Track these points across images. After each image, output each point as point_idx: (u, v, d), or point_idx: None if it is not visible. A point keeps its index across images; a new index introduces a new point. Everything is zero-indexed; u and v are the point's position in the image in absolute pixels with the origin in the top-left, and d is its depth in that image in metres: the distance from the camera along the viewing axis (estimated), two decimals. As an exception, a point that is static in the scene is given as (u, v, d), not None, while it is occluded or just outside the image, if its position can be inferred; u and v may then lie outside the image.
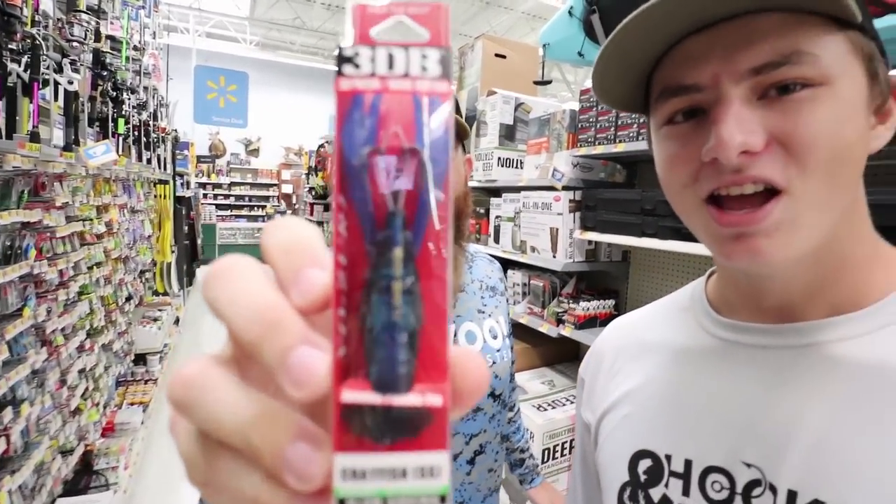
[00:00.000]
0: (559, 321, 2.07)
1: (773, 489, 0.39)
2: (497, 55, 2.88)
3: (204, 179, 11.02)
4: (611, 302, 2.08)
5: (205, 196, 10.86)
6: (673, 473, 0.46)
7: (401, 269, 0.15)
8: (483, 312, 0.97)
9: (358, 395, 0.15)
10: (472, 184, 2.46)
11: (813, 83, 0.35)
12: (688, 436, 0.46)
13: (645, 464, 0.48)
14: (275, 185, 12.07)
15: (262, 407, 0.16)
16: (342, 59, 0.16)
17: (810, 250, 0.39)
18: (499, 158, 2.47)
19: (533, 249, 2.18)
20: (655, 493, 0.46)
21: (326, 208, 7.32)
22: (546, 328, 2.12)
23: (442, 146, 0.16)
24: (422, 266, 0.15)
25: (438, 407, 0.15)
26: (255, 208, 11.68)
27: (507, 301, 1.08)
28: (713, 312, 0.49)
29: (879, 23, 1.17)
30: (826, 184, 0.36)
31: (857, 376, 0.38)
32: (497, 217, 2.46)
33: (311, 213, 8.12)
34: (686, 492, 0.44)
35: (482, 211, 2.67)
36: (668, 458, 0.46)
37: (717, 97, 0.38)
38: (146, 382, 3.73)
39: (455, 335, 0.91)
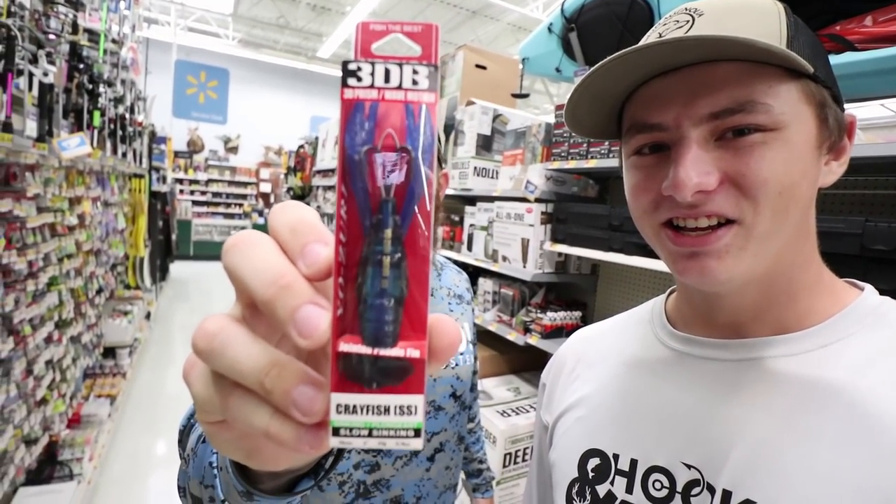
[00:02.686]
0: (526, 330, 2.12)
1: (711, 489, 0.42)
2: (477, 66, 2.94)
3: (181, 175, 10.81)
4: (578, 313, 2.14)
5: (181, 192, 10.65)
6: (619, 472, 0.49)
7: (390, 246, 0.19)
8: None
9: (352, 346, 0.19)
10: (448, 191, 2.50)
11: (765, 128, 0.39)
12: (635, 437, 0.49)
13: (594, 462, 0.51)
14: (253, 183, 11.92)
15: (274, 356, 0.20)
16: (347, 73, 0.19)
17: (755, 275, 0.42)
18: (475, 168, 2.52)
19: (504, 259, 2.23)
20: (601, 489, 0.49)
21: (305, 209, 7.26)
22: (514, 336, 2.17)
23: (428, 146, 0.19)
24: (409, 245, 0.19)
25: (417, 358, 0.19)
26: (232, 206, 11.51)
27: (473, 310, 1.13)
28: (669, 326, 0.53)
29: (841, 58, 1.26)
30: (774, 218, 0.40)
31: (796, 390, 0.41)
32: (471, 225, 2.50)
33: (290, 213, 8.03)
34: (630, 489, 0.47)
35: (457, 219, 2.72)
36: (616, 457, 0.49)
37: (678, 137, 0.41)
38: (114, 375, 3.66)
39: None
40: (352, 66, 0.19)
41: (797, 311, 0.45)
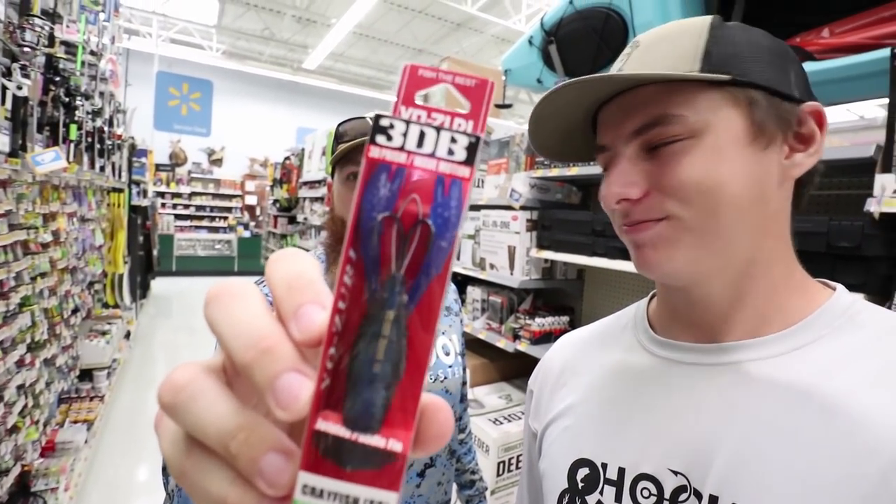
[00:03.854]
0: (516, 336, 2.12)
1: (699, 495, 0.42)
2: (461, 77, 2.96)
3: (163, 188, 10.67)
4: (566, 318, 2.15)
5: (163, 205, 10.51)
6: (608, 481, 0.49)
7: (389, 329, 0.17)
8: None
9: (330, 426, 0.17)
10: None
11: (683, 137, 0.43)
12: (622, 445, 0.49)
13: (583, 472, 0.51)
14: (238, 195, 11.82)
15: (245, 418, 0.18)
16: (378, 129, 0.18)
17: (707, 269, 0.44)
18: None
19: (492, 266, 2.23)
20: (591, 499, 0.49)
21: (291, 221, 7.22)
22: (503, 343, 2.16)
23: (452, 225, 0.17)
24: (412, 327, 0.17)
25: (398, 452, 0.17)
26: (217, 219, 11.39)
27: (462, 322, 1.12)
28: (651, 331, 0.53)
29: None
30: (705, 215, 0.43)
31: (772, 393, 0.42)
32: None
33: (275, 226, 7.98)
34: (619, 498, 0.47)
35: (444, 228, 2.71)
36: (604, 466, 0.50)
37: (614, 155, 0.47)
38: (91, 399, 3.54)
39: None
40: (384, 122, 0.18)
41: (769, 312, 0.46)
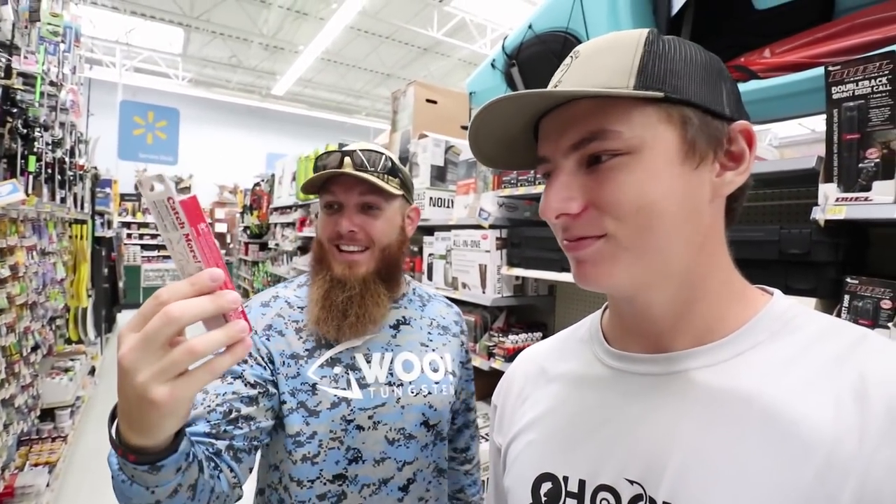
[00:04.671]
0: (490, 354, 2.12)
1: (653, 502, 0.43)
2: (428, 100, 3.01)
3: (129, 218, 10.39)
4: (539, 334, 2.17)
5: (129, 236, 10.21)
6: (569, 494, 0.49)
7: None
8: (426, 346, 1.01)
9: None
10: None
11: (619, 152, 0.43)
12: (582, 458, 0.50)
13: (546, 486, 0.51)
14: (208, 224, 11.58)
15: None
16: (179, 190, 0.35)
17: (648, 283, 0.45)
18: (431, 198, 2.55)
19: (464, 285, 2.24)
20: None
21: (262, 247, 7.10)
22: (479, 362, 2.16)
23: (189, 218, 0.43)
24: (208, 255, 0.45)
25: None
26: (186, 248, 11.06)
27: (462, 344, 1.10)
28: (605, 343, 0.54)
29: (747, 86, 1.37)
30: (640, 233, 0.43)
31: (717, 400, 0.43)
32: (430, 255, 2.51)
33: (246, 253, 7.84)
34: None
35: (416, 249, 2.72)
36: (566, 479, 0.50)
37: (553, 167, 0.48)
38: (54, 440, 3.36)
39: (392, 362, 0.96)
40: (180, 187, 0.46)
41: (712, 320, 0.47)
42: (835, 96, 1.12)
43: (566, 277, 1.80)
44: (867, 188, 1.08)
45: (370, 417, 0.90)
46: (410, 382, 0.95)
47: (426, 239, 2.55)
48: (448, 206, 2.59)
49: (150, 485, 0.54)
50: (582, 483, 0.49)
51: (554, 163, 0.47)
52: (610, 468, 0.47)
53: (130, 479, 0.54)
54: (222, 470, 0.74)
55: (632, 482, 0.45)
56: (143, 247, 10.41)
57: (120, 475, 0.54)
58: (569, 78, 0.47)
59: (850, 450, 0.36)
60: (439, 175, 2.66)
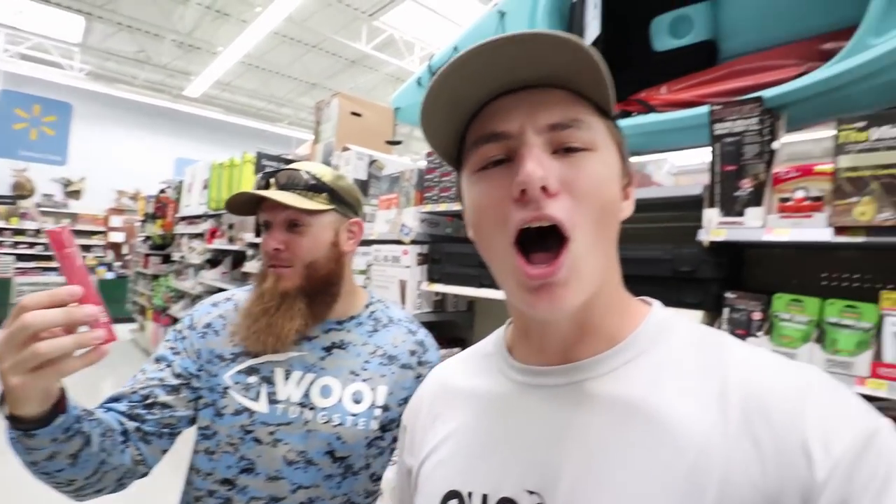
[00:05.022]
0: (409, 370, 2.10)
1: None
2: (353, 113, 2.99)
3: (2, 224, 9.13)
4: (457, 349, 2.18)
5: (0, 244, 8.98)
6: None
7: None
8: (357, 375, 0.96)
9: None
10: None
11: (587, 148, 0.45)
12: (485, 473, 0.51)
13: (452, 503, 0.52)
14: (101, 232, 10.50)
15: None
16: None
17: (588, 296, 0.45)
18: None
19: (384, 300, 2.22)
20: None
21: (165, 259, 6.56)
22: (397, 378, 2.13)
23: (55, 246, 0.60)
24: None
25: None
26: (74, 258, 9.93)
27: (420, 377, 0.98)
28: (510, 358, 0.56)
29: (647, 119, 1.51)
30: (595, 231, 0.45)
31: (609, 407, 0.46)
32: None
33: (146, 265, 7.19)
34: None
35: (336, 262, 2.66)
36: (470, 495, 0.51)
37: (521, 143, 0.45)
38: None
39: (312, 384, 0.94)
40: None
41: (609, 332, 0.50)
42: (717, 132, 1.27)
43: (485, 293, 1.85)
44: (742, 213, 1.22)
45: (271, 433, 0.90)
46: (323, 409, 0.92)
47: (346, 252, 2.49)
48: (369, 221, 2.56)
49: (27, 447, 0.66)
50: (485, 497, 0.50)
51: (521, 139, 0.45)
52: (511, 481, 0.48)
53: (13, 439, 0.66)
54: (129, 446, 0.83)
55: (531, 493, 0.47)
56: (20, 256, 9.16)
57: (9, 433, 0.66)
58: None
59: (715, 445, 0.40)
60: (362, 189, 2.63)
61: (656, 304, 0.53)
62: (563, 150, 0.45)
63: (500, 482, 0.49)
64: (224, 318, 1.00)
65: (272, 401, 0.91)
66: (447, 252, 2.03)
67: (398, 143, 2.60)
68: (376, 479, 1.00)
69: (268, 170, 1.00)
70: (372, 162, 2.67)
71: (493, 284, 1.81)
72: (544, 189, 0.43)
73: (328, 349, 0.98)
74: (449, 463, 0.55)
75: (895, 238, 1.01)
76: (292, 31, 8.07)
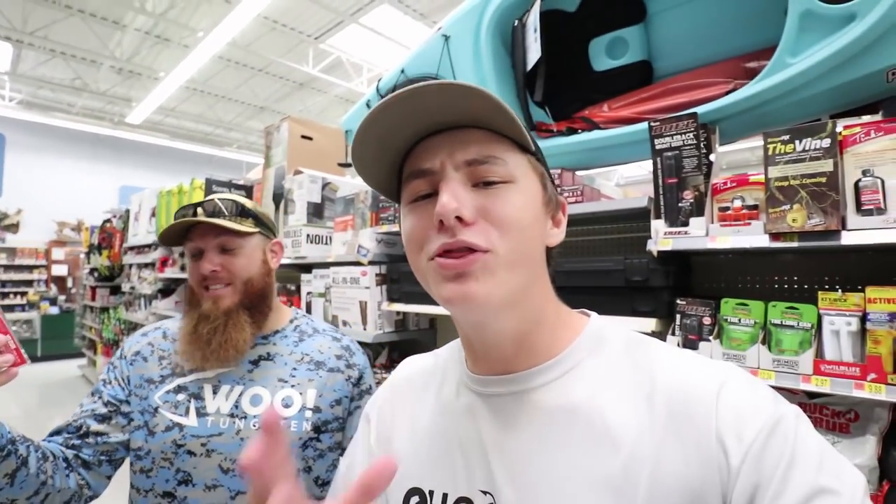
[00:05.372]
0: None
1: None
2: (303, 136, 2.95)
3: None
4: (422, 370, 2.17)
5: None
6: None
7: None
8: (285, 382, 1.04)
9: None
10: (283, 260, 2.38)
11: (504, 180, 0.50)
12: (444, 473, 0.55)
13: (414, 500, 0.57)
14: (42, 266, 9.89)
15: None
16: None
17: (507, 303, 0.49)
18: (308, 235, 2.47)
19: (345, 323, 2.17)
20: None
21: (113, 291, 6.23)
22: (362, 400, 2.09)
23: None
24: None
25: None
26: (12, 295, 9.32)
27: (350, 378, 1.10)
28: (466, 367, 0.59)
29: (591, 135, 1.56)
30: (516, 249, 0.49)
31: (550, 414, 0.50)
32: (308, 293, 2.41)
33: (93, 298, 6.79)
34: None
35: (293, 287, 2.59)
36: (431, 493, 0.56)
37: (442, 178, 0.50)
38: None
39: (241, 395, 1.00)
40: None
41: (545, 344, 0.54)
42: (657, 147, 1.32)
43: (441, 311, 1.84)
44: (686, 223, 1.27)
45: (203, 445, 0.96)
46: (255, 416, 0.98)
47: (304, 277, 2.44)
48: (326, 244, 2.52)
49: None
50: (445, 496, 0.54)
51: (442, 174, 0.50)
52: (466, 481, 0.53)
53: None
54: (72, 472, 0.91)
55: (484, 493, 0.51)
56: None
57: None
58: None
59: (646, 442, 0.45)
60: (316, 212, 2.59)
61: (593, 316, 0.58)
62: (483, 184, 0.49)
63: (457, 482, 0.54)
64: (153, 345, 1.06)
65: (201, 414, 0.98)
66: (405, 271, 2.02)
67: (350, 165, 2.57)
68: (321, 483, 1.03)
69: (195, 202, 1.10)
70: (326, 185, 2.63)
71: (453, 304, 1.81)
72: (459, 219, 0.47)
73: (255, 362, 1.05)
74: (411, 461, 0.59)
75: (825, 242, 1.08)
76: (237, 56, 7.93)
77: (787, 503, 0.38)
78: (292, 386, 1.03)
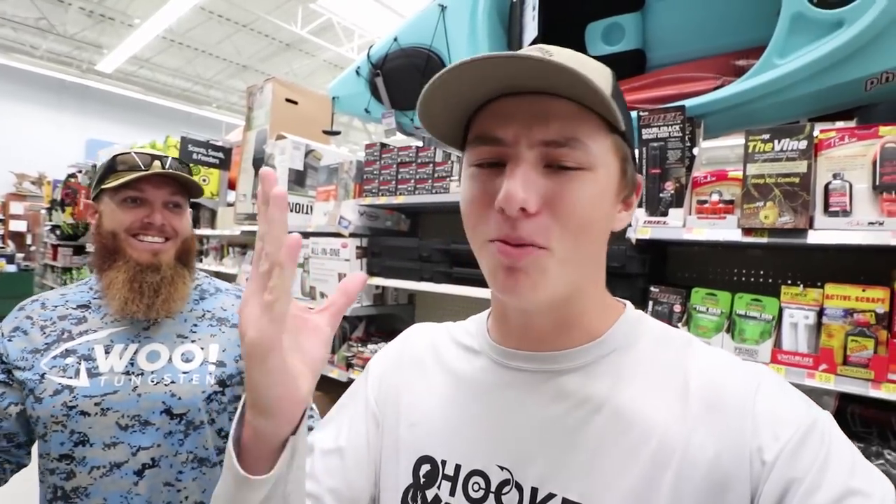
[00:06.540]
0: (349, 365, 2.08)
1: (519, 487, 0.49)
2: (288, 100, 2.88)
3: None
4: (397, 343, 2.19)
5: None
6: (445, 476, 0.53)
7: None
8: (185, 338, 1.06)
9: None
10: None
11: (581, 167, 0.45)
12: (460, 444, 0.54)
13: (425, 468, 0.55)
14: (-1, 219, 9.45)
15: None
16: None
17: (556, 296, 0.47)
18: (288, 203, 2.43)
19: (322, 295, 2.17)
20: (430, 493, 0.54)
21: (77, 251, 6.02)
22: (336, 374, 2.11)
23: None
24: None
25: None
26: (-36, 248, 8.88)
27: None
28: (490, 339, 0.57)
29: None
30: (574, 246, 0.46)
31: (582, 400, 0.49)
32: (286, 262, 2.39)
33: (55, 257, 6.55)
34: (453, 492, 0.52)
35: (271, 255, 2.57)
36: (444, 462, 0.54)
37: (514, 154, 0.45)
38: None
39: (136, 353, 1.01)
40: None
41: (586, 328, 0.52)
42: (644, 137, 1.35)
43: (424, 286, 1.86)
44: (666, 214, 1.31)
45: (97, 404, 0.96)
46: (152, 372, 1.00)
47: (282, 245, 2.41)
48: (307, 213, 2.49)
49: None
50: (458, 467, 0.53)
51: (515, 150, 0.45)
52: (483, 454, 0.52)
53: None
54: None
55: (502, 468, 0.50)
56: None
57: None
58: (562, 56, 0.45)
59: (675, 433, 0.45)
60: (298, 179, 2.55)
61: (628, 305, 0.57)
62: (557, 167, 0.45)
63: (473, 454, 0.52)
64: (31, 317, 1.04)
65: (93, 374, 0.97)
66: (387, 245, 2.02)
67: (336, 133, 2.53)
68: (224, 435, 1.05)
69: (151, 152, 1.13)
70: (309, 152, 2.59)
71: (433, 278, 1.83)
72: (523, 210, 0.43)
73: (149, 320, 1.06)
74: (422, 429, 0.57)
75: (793, 239, 1.13)
76: (220, 8, 7.59)
77: (820, 499, 0.39)
78: (192, 341, 1.06)
